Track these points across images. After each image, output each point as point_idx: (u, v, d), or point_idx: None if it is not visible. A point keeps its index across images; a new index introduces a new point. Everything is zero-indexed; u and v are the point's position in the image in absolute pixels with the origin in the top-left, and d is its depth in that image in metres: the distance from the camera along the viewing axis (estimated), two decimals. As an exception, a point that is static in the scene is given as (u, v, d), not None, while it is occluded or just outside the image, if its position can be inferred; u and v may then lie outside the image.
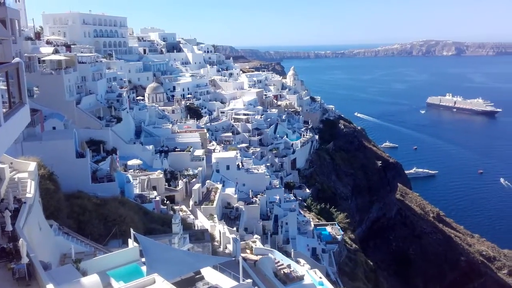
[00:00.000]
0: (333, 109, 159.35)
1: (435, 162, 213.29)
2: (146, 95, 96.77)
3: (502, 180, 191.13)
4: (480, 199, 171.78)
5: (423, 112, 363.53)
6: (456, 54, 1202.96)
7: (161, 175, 51.38)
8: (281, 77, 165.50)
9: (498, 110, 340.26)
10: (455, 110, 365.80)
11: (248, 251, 39.89)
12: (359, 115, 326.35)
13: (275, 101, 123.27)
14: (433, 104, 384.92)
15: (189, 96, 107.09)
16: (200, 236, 34.61)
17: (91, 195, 35.08)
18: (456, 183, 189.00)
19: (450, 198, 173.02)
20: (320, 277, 37.16)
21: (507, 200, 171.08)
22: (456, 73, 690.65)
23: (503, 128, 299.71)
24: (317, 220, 75.60)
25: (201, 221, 44.60)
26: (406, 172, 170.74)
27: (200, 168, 60.16)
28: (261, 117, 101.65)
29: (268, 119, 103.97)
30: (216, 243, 39.14)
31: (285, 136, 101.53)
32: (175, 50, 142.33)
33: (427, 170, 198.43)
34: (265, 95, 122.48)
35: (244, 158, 72.05)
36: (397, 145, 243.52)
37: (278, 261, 37.71)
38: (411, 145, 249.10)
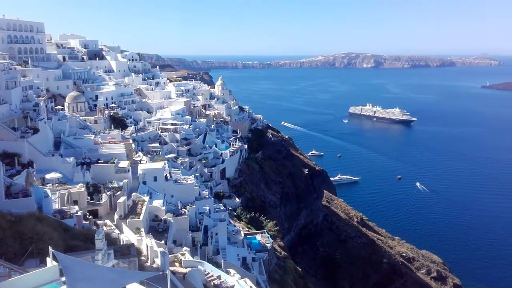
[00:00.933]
0: (261, 118, 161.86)
1: (358, 169, 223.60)
2: (66, 104, 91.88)
3: (418, 184, 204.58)
4: (399, 203, 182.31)
5: (346, 121, 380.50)
6: (375, 66, 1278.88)
7: (83, 189, 48.68)
8: (209, 86, 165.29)
9: (414, 119, 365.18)
10: (375, 119, 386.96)
11: (177, 264, 38.88)
12: (286, 124, 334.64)
13: (204, 111, 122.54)
14: (355, 113, 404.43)
15: (113, 105, 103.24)
16: (126, 251, 33.15)
17: (4, 212, 32.40)
18: (377, 188, 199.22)
19: (372, 203, 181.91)
20: (251, 286, 37.11)
21: (423, 203, 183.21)
22: (375, 84, 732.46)
23: (418, 136, 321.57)
24: (247, 229, 75.75)
25: (127, 236, 42.81)
26: (331, 179, 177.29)
27: (125, 180, 57.89)
28: (189, 127, 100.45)
29: (197, 129, 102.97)
30: (143, 258, 37.73)
31: (214, 145, 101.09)
32: (97, 58, 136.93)
33: (350, 177, 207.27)
34: (193, 104, 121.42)
35: (172, 169, 70.60)
36: (322, 153, 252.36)
37: (208, 273, 37.11)
38: (336, 153, 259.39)
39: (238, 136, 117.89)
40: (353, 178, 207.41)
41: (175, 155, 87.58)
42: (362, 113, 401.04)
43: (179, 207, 58.24)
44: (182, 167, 79.89)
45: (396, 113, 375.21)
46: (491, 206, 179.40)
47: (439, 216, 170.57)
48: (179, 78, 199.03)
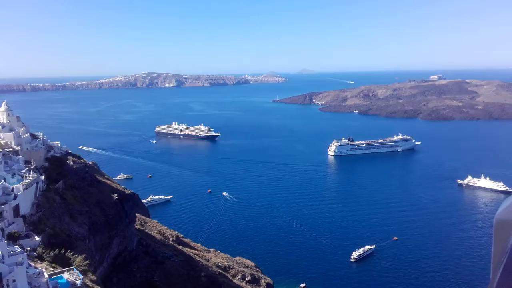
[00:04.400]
0: (59, 145, 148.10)
1: (169, 188, 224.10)
2: None
3: (224, 193, 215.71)
4: (211, 215, 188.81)
5: (154, 141, 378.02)
6: (177, 85, 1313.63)
7: None
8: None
9: (218, 134, 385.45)
10: (182, 137, 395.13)
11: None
12: (85, 148, 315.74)
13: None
14: (162, 132, 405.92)
15: None
16: None
17: None
18: (190, 204, 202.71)
19: (187, 219, 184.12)
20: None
21: (231, 211, 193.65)
22: (179, 103, 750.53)
23: (223, 150, 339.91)
24: (52, 269, 67.76)
25: None
26: (143, 201, 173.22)
27: None
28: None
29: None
30: None
31: (3, 180, 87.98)
32: None
33: (162, 196, 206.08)
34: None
35: None
36: (132, 176, 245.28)
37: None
38: (146, 174, 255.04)
39: (32, 167, 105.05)
40: (166, 197, 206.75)
41: (-50, 196, 73.04)
42: (169, 131, 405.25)
43: (-40, 258, 48.58)
44: (-40, 210, 67.04)
45: (201, 130, 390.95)
46: (290, 205, 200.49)
47: (247, 221, 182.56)
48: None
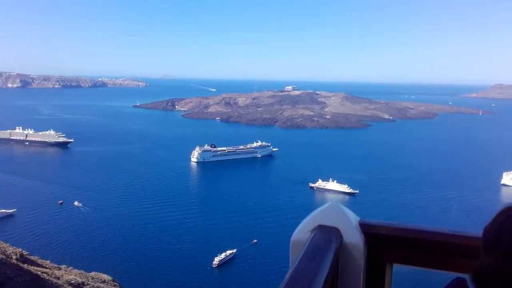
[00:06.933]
0: None
1: (12, 200, 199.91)
2: None
3: (76, 203, 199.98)
4: (62, 229, 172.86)
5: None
6: (22, 86, 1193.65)
7: None
8: None
9: (70, 140, 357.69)
10: (27, 143, 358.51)
11: None
12: None
13: None
14: (3, 138, 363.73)
15: None
16: None
17: None
18: (37, 217, 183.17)
19: (33, 235, 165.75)
20: None
21: (86, 223, 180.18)
22: (24, 106, 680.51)
23: (76, 157, 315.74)
24: None
25: None
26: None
27: None
28: None
29: None
30: None
31: None
32: None
33: (3, 210, 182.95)
34: None
35: None
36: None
37: None
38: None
39: None
40: (7, 211, 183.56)
41: None
42: (11, 137, 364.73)
43: None
44: None
45: (51, 136, 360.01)
46: (150, 213, 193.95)
47: (103, 232, 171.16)
48: None
